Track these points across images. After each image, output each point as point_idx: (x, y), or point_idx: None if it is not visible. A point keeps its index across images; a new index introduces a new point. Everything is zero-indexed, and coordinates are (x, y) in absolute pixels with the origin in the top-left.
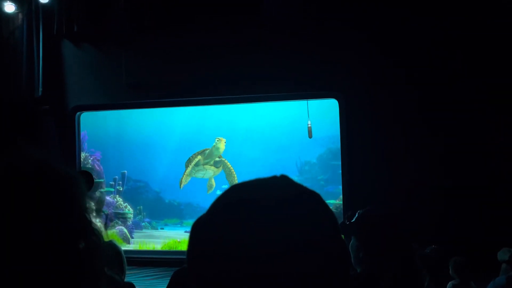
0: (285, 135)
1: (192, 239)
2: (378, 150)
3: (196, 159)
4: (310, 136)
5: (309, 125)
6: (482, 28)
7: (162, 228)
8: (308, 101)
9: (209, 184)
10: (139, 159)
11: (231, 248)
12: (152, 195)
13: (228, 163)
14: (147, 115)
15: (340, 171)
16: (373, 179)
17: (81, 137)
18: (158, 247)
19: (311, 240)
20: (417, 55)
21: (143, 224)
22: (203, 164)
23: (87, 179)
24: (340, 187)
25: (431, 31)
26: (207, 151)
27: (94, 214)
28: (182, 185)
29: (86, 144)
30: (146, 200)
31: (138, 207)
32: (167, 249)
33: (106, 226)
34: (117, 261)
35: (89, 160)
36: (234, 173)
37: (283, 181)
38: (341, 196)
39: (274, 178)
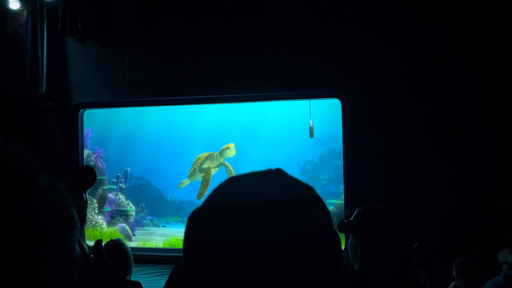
0: (287, 134)
1: (188, 230)
2: (380, 150)
3: (205, 165)
4: (311, 135)
5: (311, 125)
6: (483, 29)
7: (164, 226)
8: (311, 101)
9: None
10: (142, 157)
11: (226, 240)
12: (154, 193)
13: (230, 166)
14: (150, 113)
15: (342, 171)
16: (375, 178)
17: (84, 134)
18: (160, 244)
19: (303, 232)
20: (420, 55)
21: (145, 221)
22: (211, 167)
23: (90, 175)
24: (342, 186)
25: (435, 31)
26: (214, 155)
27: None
28: (182, 186)
29: (89, 141)
30: (148, 197)
31: (140, 205)
32: (168, 246)
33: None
34: (123, 259)
35: (92, 157)
36: (234, 173)
37: (278, 174)
38: (343, 196)
39: (269, 172)
